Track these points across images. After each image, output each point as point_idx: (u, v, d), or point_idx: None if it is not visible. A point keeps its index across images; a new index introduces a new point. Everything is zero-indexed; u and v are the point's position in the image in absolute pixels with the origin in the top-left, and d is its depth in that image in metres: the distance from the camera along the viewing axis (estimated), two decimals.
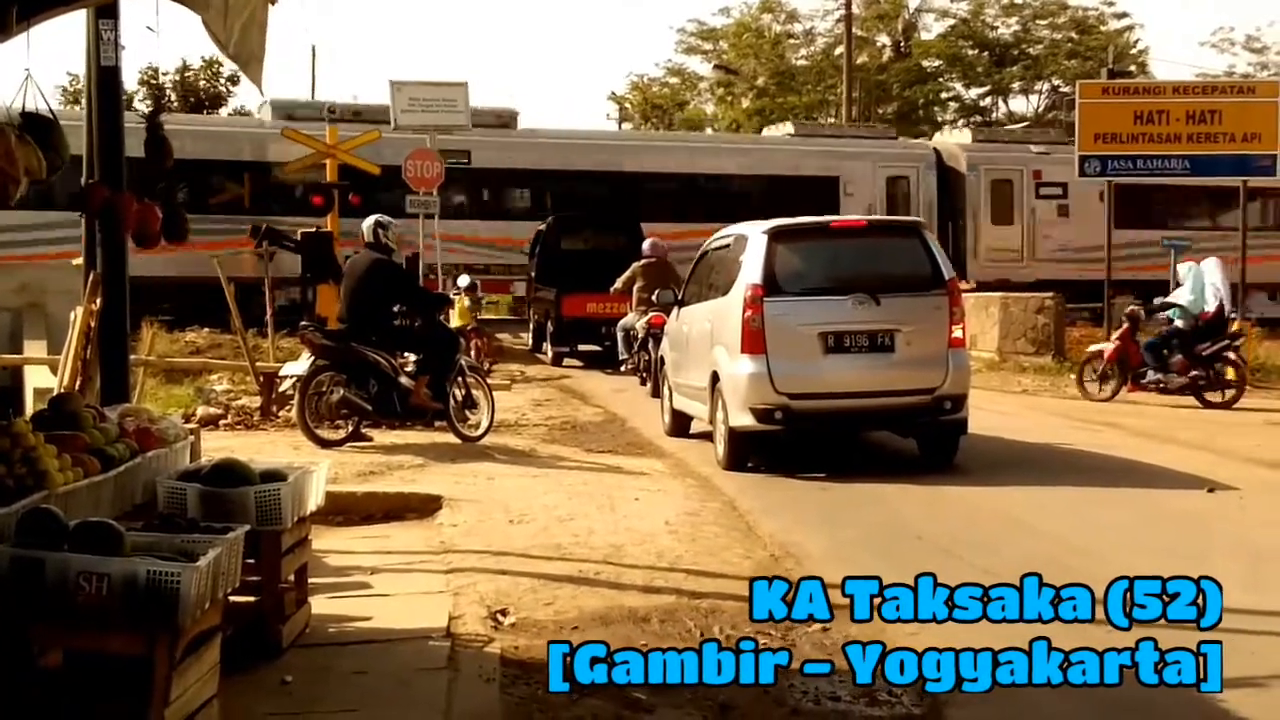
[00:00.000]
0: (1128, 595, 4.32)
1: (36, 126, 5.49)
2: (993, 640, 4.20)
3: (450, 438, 10.84)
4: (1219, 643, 4.12)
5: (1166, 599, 4.29)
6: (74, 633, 3.71)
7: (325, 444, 10.42)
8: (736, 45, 51.67)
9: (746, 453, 10.06)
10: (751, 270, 10.01)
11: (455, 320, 17.33)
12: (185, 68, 42.08)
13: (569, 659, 4.19)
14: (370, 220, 11.21)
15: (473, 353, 15.52)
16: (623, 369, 17.38)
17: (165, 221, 6.60)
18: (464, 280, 19.77)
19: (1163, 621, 4.26)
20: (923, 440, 10.41)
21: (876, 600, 4.37)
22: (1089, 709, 4.58)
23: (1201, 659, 4.07)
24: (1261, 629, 5.57)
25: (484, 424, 11.18)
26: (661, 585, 6.30)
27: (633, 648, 4.43)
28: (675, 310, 12.34)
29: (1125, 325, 15.48)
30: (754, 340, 9.82)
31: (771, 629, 5.50)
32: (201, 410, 12.53)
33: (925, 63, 51.33)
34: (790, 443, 10.25)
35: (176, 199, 6.79)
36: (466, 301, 18.67)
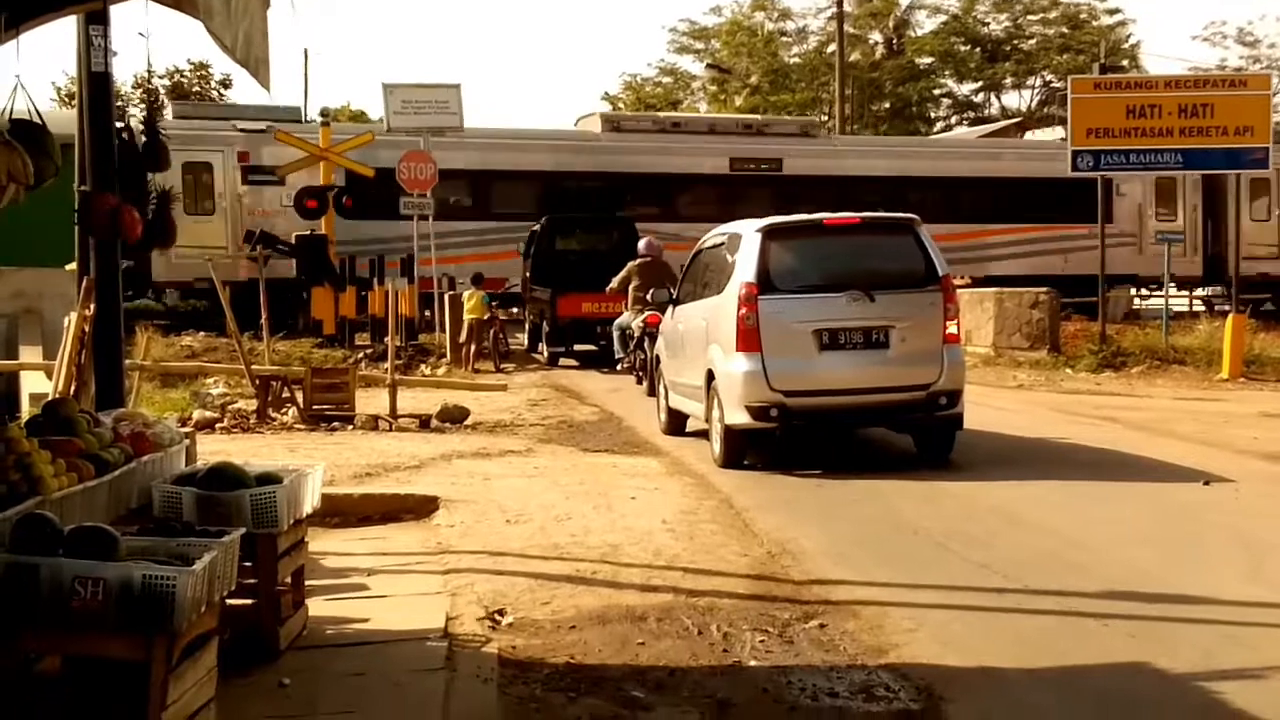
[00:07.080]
0: None
1: (28, 133, 5.47)
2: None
3: None
4: None
5: None
6: (70, 638, 3.70)
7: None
8: (729, 44, 51.75)
9: (743, 450, 10.06)
10: (745, 268, 10.00)
11: (469, 314, 18.13)
12: (176, 71, 42.28)
13: None
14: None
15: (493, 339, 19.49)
16: (618, 368, 17.39)
17: (154, 227, 6.58)
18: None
19: None
20: (918, 436, 10.41)
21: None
22: (1087, 705, 4.58)
23: None
24: (1260, 620, 5.58)
25: None
26: (659, 584, 6.30)
27: None
28: (670, 309, 12.32)
29: None
30: (749, 338, 9.81)
31: (769, 625, 5.52)
32: (197, 414, 12.53)
33: (918, 59, 51.44)
34: (786, 440, 10.25)
35: (170, 205, 6.75)
36: (482, 295, 19.35)
